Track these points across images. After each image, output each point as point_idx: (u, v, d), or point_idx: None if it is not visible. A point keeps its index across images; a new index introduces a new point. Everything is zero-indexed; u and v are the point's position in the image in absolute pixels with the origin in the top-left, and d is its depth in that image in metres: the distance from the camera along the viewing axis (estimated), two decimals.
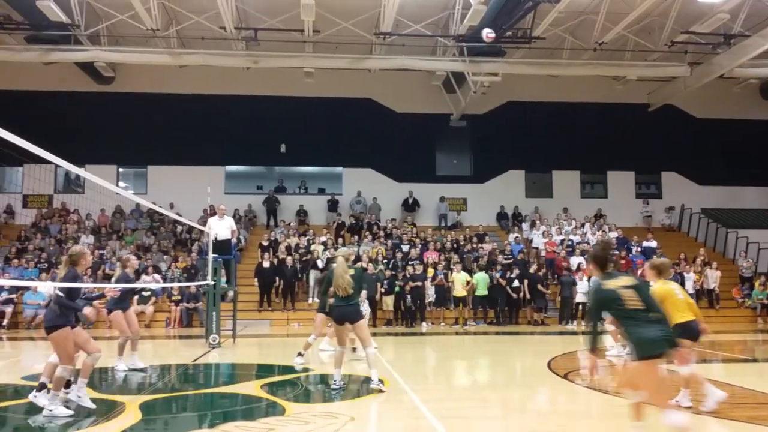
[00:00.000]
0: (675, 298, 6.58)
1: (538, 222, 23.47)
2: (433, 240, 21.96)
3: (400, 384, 8.40)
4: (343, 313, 7.97)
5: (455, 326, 18.46)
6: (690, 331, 6.50)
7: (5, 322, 17.78)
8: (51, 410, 6.53)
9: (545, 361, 10.80)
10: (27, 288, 17.76)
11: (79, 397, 6.99)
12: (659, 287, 6.59)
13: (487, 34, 16.49)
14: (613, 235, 22.58)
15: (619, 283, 4.83)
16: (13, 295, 18.12)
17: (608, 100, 25.10)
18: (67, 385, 6.96)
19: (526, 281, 18.93)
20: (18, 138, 5.10)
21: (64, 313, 6.72)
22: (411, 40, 20.06)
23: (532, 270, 19.48)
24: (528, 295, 19.02)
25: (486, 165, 25.59)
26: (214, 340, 13.06)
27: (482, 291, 18.77)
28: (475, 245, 21.74)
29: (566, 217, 24.06)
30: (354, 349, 10.94)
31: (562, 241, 22.13)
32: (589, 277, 16.27)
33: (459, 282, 18.71)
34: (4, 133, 4.86)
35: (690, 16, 19.43)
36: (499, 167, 25.61)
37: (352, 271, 8.01)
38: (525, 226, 23.96)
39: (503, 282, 18.90)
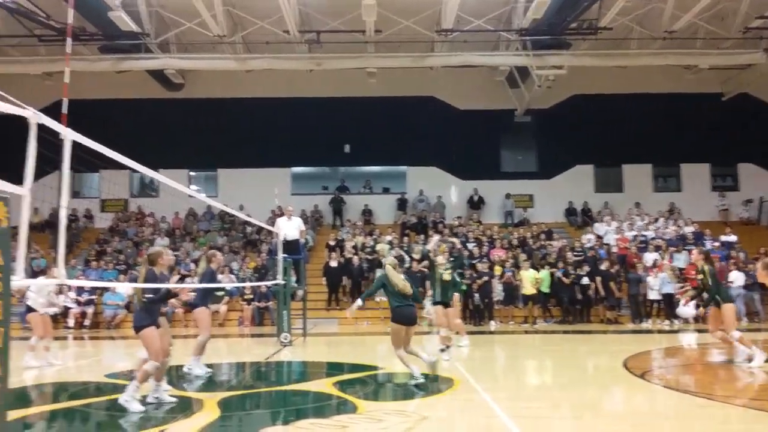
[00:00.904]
0: None
1: (609, 218, 22.87)
2: (500, 237, 21.71)
3: (471, 383, 8.33)
4: (409, 314, 8.15)
5: (524, 325, 18.19)
6: None
7: (87, 321, 18.56)
8: (127, 400, 6.77)
9: (620, 360, 10.50)
10: (107, 289, 18.50)
11: (157, 398, 7.22)
12: None
13: None
14: (689, 229, 21.79)
15: None
16: (94, 296, 18.89)
17: (679, 90, 24.22)
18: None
19: (598, 279, 18.48)
20: (96, 144, 5.30)
21: (150, 313, 7.00)
22: (473, 35, 19.90)
23: (603, 267, 18.99)
24: (601, 293, 18.55)
25: (552, 160, 25.13)
26: (285, 339, 13.29)
27: (545, 288, 18.46)
28: (543, 242, 21.38)
29: (638, 212, 23.36)
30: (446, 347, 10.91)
31: (635, 236, 21.50)
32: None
33: (527, 280, 18.43)
34: (83, 139, 5.05)
35: (765, 0, 18.55)
36: (566, 162, 25.10)
37: (402, 277, 8.30)
38: (600, 225, 23.27)
39: (566, 280, 18.49)
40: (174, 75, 22.92)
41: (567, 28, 18.78)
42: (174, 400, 7.27)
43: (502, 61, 21.61)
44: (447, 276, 10.90)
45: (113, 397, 7.62)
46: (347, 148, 25.19)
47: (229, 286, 18.53)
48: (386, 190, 25.61)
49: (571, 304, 18.62)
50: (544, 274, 18.68)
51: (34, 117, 4.06)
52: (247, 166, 24.41)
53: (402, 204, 24.52)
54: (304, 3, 19.28)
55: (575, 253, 20.11)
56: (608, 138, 24.39)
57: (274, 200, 21.18)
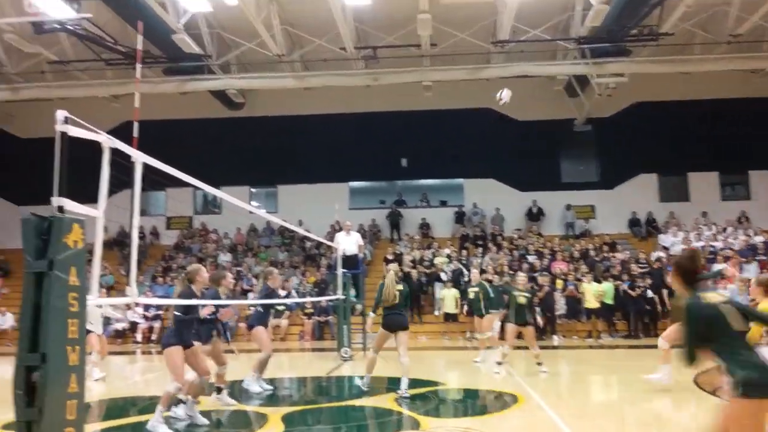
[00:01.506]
0: None
1: (675, 228, 22.18)
2: (561, 250, 21.33)
3: (536, 399, 8.18)
4: (392, 321, 8.92)
5: (588, 339, 17.77)
6: None
7: (154, 336, 19.09)
8: (153, 425, 6.57)
9: (689, 375, 10.12)
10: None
11: (190, 416, 7.09)
12: None
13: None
14: (759, 239, 20.92)
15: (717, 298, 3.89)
16: (161, 311, 19.42)
17: (746, 95, 23.31)
18: (178, 402, 7.17)
19: (664, 291, 17.92)
20: (161, 163, 5.47)
21: (179, 332, 6.80)
22: (529, 45, 19.71)
23: (669, 279, 18.40)
24: (667, 306, 17.98)
25: (614, 170, 24.55)
26: (345, 353, 13.35)
27: (608, 300, 18.02)
28: (606, 254, 20.89)
29: (705, 221, 22.57)
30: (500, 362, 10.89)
31: (703, 247, 20.76)
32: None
33: (590, 293, 18.02)
34: (152, 161, 5.23)
35: None
36: (628, 171, 24.48)
37: (400, 286, 9.17)
38: (665, 236, 22.58)
39: (633, 293, 18.01)
40: (235, 94, 23.49)
41: (627, 35, 18.38)
42: (205, 421, 7.11)
43: (560, 71, 21.32)
44: (522, 299, 11.01)
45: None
46: (404, 162, 25.26)
47: (289, 301, 18.77)
48: (443, 203, 25.52)
49: (637, 318, 18.11)
50: (607, 286, 18.24)
51: (108, 141, 4.23)
52: (306, 182, 24.74)
53: (460, 217, 24.39)
54: (360, 20, 19.49)
55: (640, 265, 19.57)
56: (672, 146, 23.70)
57: (333, 215, 21.39)
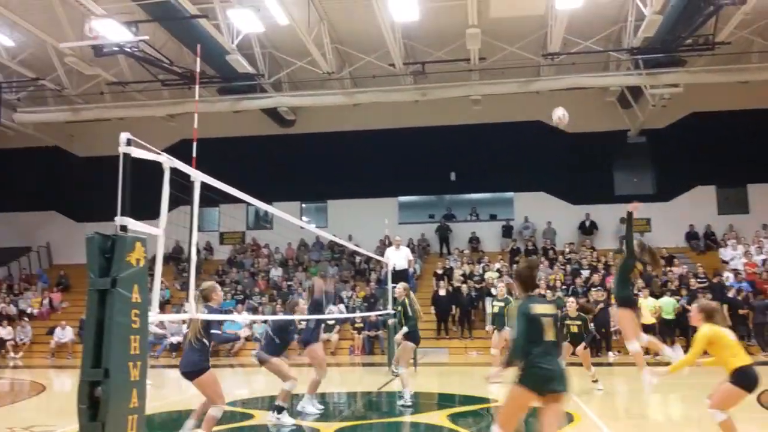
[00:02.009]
0: (728, 339, 5.93)
1: (734, 241, 21.47)
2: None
3: (593, 418, 7.99)
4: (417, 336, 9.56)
5: (645, 356, 17.23)
6: (748, 379, 5.76)
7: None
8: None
9: (753, 394, 9.72)
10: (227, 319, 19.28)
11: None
12: (708, 330, 5.99)
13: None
14: None
15: (543, 309, 4.76)
16: None
17: None
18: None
19: (725, 306, 17.32)
20: (217, 181, 5.60)
21: (204, 353, 6.50)
22: (581, 57, 19.46)
23: (730, 294, 17.81)
24: (728, 322, 17.38)
25: (670, 182, 23.94)
26: (396, 368, 13.31)
27: (669, 315, 17.53)
28: (663, 268, 20.33)
29: (766, 234, 21.78)
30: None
31: (764, 261, 20.04)
32: None
33: (646, 308, 17.53)
34: (207, 178, 5.36)
35: None
36: (685, 184, 23.83)
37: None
38: (725, 250, 21.88)
39: (690, 308, 17.47)
40: (286, 112, 23.87)
41: (681, 45, 17.98)
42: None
43: (612, 82, 20.98)
44: (574, 329, 11.00)
45: (233, 426, 7.90)
46: (453, 176, 25.19)
47: (339, 316, 18.87)
48: (493, 217, 25.31)
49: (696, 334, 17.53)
50: (666, 301, 17.75)
51: (168, 162, 4.36)
52: (356, 197, 24.92)
53: (507, 231, 24.13)
54: (408, 36, 19.61)
55: (699, 280, 19.00)
56: (730, 156, 22.99)
57: (382, 230, 21.45)
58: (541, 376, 4.59)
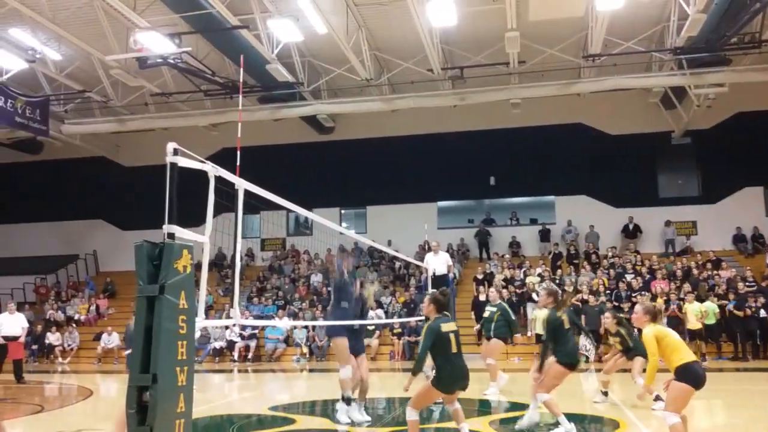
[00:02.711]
0: (671, 338, 6.13)
1: None
2: (661, 268, 20.44)
3: (639, 426, 7.84)
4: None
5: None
6: (693, 375, 5.90)
7: (250, 355, 19.63)
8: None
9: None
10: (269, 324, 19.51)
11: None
12: (653, 330, 6.16)
13: None
14: None
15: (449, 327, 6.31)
16: (256, 331, 19.97)
17: None
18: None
19: None
20: (259, 188, 5.67)
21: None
22: (622, 58, 19.16)
23: None
24: None
25: (716, 183, 23.37)
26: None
27: (710, 320, 17.09)
28: (710, 272, 19.86)
29: None
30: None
31: None
32: None
33: (692, 313, 17.13)
34: (250, 185, 5.44)
35: None
36: (732, 185, 23.23)
37: None
38: None
39: (739, 313, 17.02)
40: (325, 119, 24.06)
41: (726, 44, 17.56)
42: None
43: (656, 83, 20.59)
44: (618, 345, 10.21)
45: (275, 429, 7.98)
46: (492, 180, 25.03)
47: (378, 322, 18.91)
48: (533, 221, 25.06)
49: (746, 339, 17.08)
50: (710, 306, 17.32)
51: (213, 170, 4.44)
52: (394, 203, 24.93)
53: (545, 234, 23.83)
54: (447, 41, 19.58)
55: (747, 284, 18.49)
56: None
57: (421, 235, 21.42)
58: (449, 380, 6.30)
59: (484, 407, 10.09)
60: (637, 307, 6.67)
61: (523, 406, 9.55)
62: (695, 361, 6.06)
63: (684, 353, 6.05)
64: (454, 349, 6.24)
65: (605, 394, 9.98)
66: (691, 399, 8.83)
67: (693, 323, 17.07)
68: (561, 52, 19.24)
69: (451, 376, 6.24)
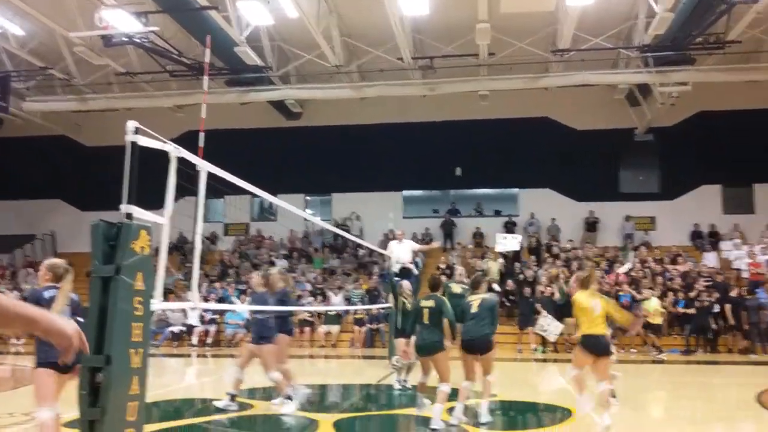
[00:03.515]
0: (585, 306, 7.02)
1: (739, 241, 21.41)
2: (619, 262, 20.81)
3: (590, 414, 7.99)
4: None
5: (652, 353, 17.20)
6: (591, 343, 6.97)
7: (209, 340, 19.47)
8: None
9: (752, 393, 9.75)
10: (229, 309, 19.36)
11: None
12: (576, 296, 7.16)
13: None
14: None
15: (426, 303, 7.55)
16: (216, 316, 19.80)
17: None
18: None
19: (727, 306, 17.30)
20: (224, 172, 5.61)
21: None
22: (590, 54, 19.38)
23: (733, 293, 17.77)
24: (730, 321, 17.37)
25: (676, 180, 23.87)
26: (396, 362, 13.33)
27: (656, 320, 17.38)
28: (665, 266, 20.30)
29: None
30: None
31: None
32: None
33: (651, 309, 17.37)
34: (213, 168, 5.38)
35: None
36: (691, 182, 23.77)
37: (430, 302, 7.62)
38: (726, 245, 21.87)
39: (688, 311, 17.48)
40: (293, 105, 23.87)
41: (692, 43, 17.91)
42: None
43: (622, 79, 20.89)
44: (409, 306, 10.00)
45: (233, 414, 7.96)
46: (458, 171, 25.17)
47: (340, 308, 18.93)
48: (497, 213, 25.29)
49: (698, 334, 17.51)
50: (655, 302, 17.60)
51: (175, 151, 4.38)
52: (360, 190, 24.91)
53: (509, 227, 24.07)
54: (417, 30, 19.57)
55: (704, 279, 18.95)
56: (737, 156, 22.87)
57: (386, 223, 21.48)
58: (420, 346, 7.55)
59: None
60: (573, 277, 7.54)
61: (479, 394, 9.65)
62: (598, 334, 6.97)
63: (591, 324, 6.96)
64: (425, 320, 7.43)
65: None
66: (650, 391, 9.09)
67: (654, 318, 17.26)
68: (530, 45, 19.38)
69: (421, 343, 7.53)
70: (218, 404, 7.98)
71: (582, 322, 6.99)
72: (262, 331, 8.11)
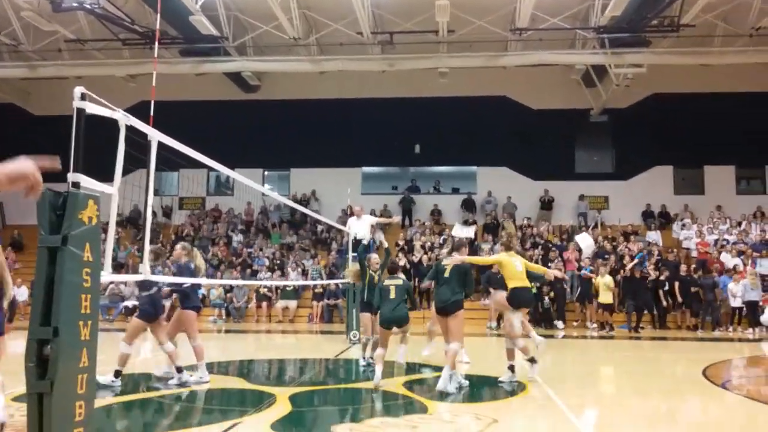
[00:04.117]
0: (511, 267, 8.32)
1: (688, 221, 22.04)
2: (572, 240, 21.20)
3: (544, 388, 8.19)
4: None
5: (601, 330, 17.63)
6: (516, 295, 8.26)
7: (165, 315, 19.18)
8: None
9: (699, 368, 10.11)
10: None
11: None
12: (502, 255, 8.61)
13: None
14: None
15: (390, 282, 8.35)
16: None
17: (765, 89, 23.08)
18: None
19: (676, 284, 17.84)
20: (177, 142, 5.49)
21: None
22: (548, 34, 19.54)
23: (682, 272, 18.32)
24: (678, 299, 17.92)
25: (629, 161, 24.40)
26: (354, 336, 13.42)
27: (606, 299, 17.78)
28: (618, 245, 20.78)
29: (720, 215, 22.40)
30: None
31: (716, 240, 20.64)
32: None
33: (602, 286, 17.77)
34: (167, 139, 5.26)
35: None
36: (644, 163, 24.33)
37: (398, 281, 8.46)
38: (675, 225, 22.51)
39: (636, 273, 17.81)
40: (250, 77, 23.48)
41: (647, 26, 18.19)
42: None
43: (578, 60, 21.13)
44: (376, 279, 9.82)
45: (187, 389, 7.90)
46: (417, 148, 25.22)
47: (298, 283, 18.90)
48: (456, 191, 25.48)
49: (642, 310, 17.94)
50: (609, 279, 18.00)
51: (124, 119, 4.26)
52: (319, 166, 24.77)
53: (468, 204, 24.27)
54: (377, 5, 19.39)
55: (656, 257, 19.48)
56: (689, 138, 23.48)
57: (345, 199, 21.42)
58: (385, 319, 8.17)
59: (400, 368, 10.28)
60: (498, 245, 8.61)
61: (436, 368, 9.79)
62: (522, 287, 8.28)
63: (516, 280, 8.26)
64: (392, 296, 8.18)
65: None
66: (601, 366, 9.34)
67: (603, 296, 17.62)
68: (490, 24, 19.41)
69: (385, 317, 8.19)
70: (100, 380, 7.50)
71: (509, 278, 8.31)
72: (147, 306, 8.23)
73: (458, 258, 7.90)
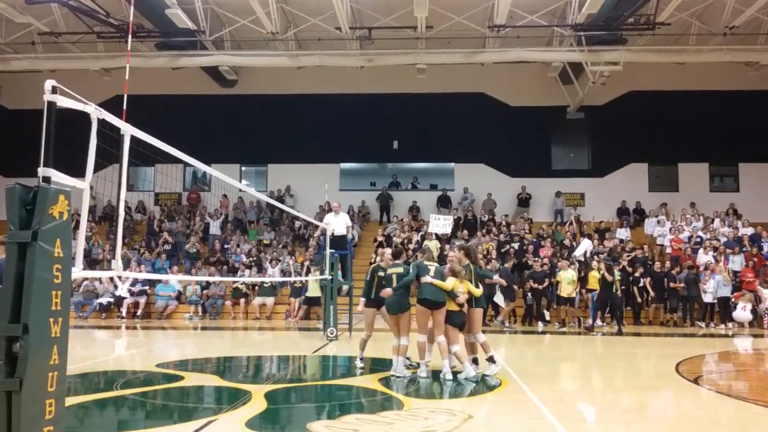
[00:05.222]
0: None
1: (663, 217, 22.31)
2: (548, 236, 21.34)
3: (519, 384, 8.25)
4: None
5: (572, 326, 17.76)
6: (450, 319, 8.57)
7: (139, 312, 19.01)
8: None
9: (672, 364, 10.25)
10: (159, 280, 18.95)
11: None
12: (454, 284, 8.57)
13: None
14: (747, 231, 21.06)
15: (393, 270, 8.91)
16: (147, 287, 19.34)
17: (740, 87, 23.46)
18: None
19: (648, 279, 18.05)
20: (150, 137, 5.41)
21: None
22: (526, 31, 19.64)
23: (656, 268, 18.54)
24: (651, 294, 18.13)
25: (605, 158, 24.66)
26: (331, 333, 13.40)
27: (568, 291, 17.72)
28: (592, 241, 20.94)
29: (693, 212, 22.71)
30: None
31: (689, 237, 20.93)
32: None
33: (565, 281, 17.60)
34: (141, 134, 5.18)
35: None
36: (619, 160, 24.59)
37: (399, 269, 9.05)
38: (649, 222, 22.76)
39: (608, 276, 17.90)
40: (227, 71, 23.29)
41: (623, 24, 18.37)
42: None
43: (555, 57, 21.27)
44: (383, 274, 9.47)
45: (161, 386, 7.84)
46: (395, 145, 25.22)
47: (276, 280, 18.80)
48: (433, 187, 25.53)
49: (615, 307, 17.99)
50: (572, 273, 17.98)
51: (96, 113, 4.19)
52: (297, 162, 24.67)
53: (444, 200, 24.31)
54: (356, 0, 19.33)
55: (627, 254, 19.65)
56: (664, 136, 23.80)
57: (323, 195, 21.37)
58: (389, 305, 8.81)
59: (376, 365, 10.27)
60: (456, 247, 9.32)
61: (412, 365, 9.80)
62: (454, 311, 8.55)
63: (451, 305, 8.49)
64: (394, 284, 8.75)
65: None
66: (575, 361, 9.38)
67: (564, 290, 17.48)
68: (468, 20, 19.46)
69: (388, 303, 8.85)
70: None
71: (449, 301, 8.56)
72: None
73: (428, 279, 8.49)
